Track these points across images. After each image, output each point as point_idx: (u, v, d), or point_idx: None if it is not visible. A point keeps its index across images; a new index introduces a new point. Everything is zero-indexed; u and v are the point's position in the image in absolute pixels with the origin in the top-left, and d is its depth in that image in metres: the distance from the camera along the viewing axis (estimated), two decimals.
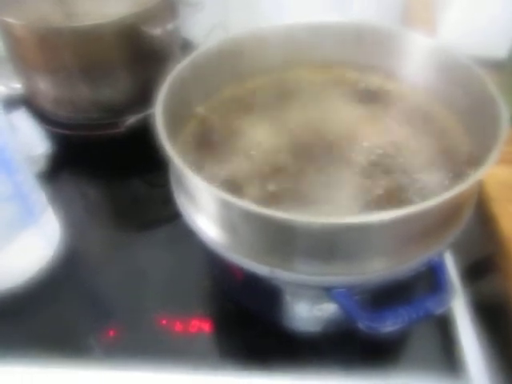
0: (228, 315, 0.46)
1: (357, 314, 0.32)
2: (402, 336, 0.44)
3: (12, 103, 0.66)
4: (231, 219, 0.32)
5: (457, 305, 0.44)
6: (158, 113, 0.35)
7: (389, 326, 0.32)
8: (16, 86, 0.66)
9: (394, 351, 0.43)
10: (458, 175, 0.38)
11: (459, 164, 0.39)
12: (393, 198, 0.36)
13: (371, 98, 0.46)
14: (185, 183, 0.35)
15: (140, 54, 0.58)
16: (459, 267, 0.47)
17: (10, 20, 0.54)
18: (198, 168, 0.39)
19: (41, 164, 0.60)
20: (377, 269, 0.33)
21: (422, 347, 0.43)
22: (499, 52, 0.52)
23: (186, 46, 0.67)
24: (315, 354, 0.43)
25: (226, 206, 0.32)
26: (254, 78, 0.48)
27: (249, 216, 0.31)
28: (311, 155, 0.40)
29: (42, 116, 0.63)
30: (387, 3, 0.71)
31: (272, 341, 0.44)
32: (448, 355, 0.42)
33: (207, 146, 0.42)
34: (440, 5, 0.63)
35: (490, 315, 0.44)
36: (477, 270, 0.50)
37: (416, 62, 0.45)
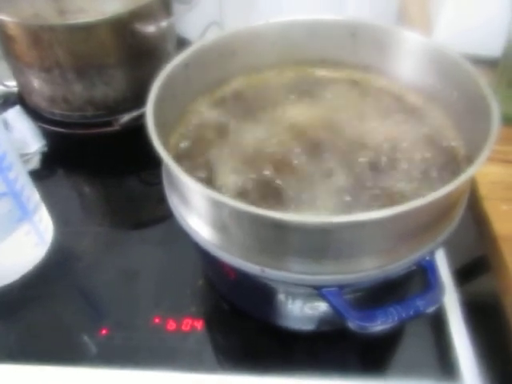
0: (221, 314, 0.46)
1: (347, 313, 0.32)
2: (395, 336, 0.44)
3: (7, 101, 0.66)
4: (222, 219, 0.32)
5: (449, 304, 0.44)
6: (149, 112, 0.35)
7: (379, 325, 0.31)
8: (11, 84, 0.66)
9: (386, 351, 0.43)
10: (451, 173, 0.38)
11: (452, 162, 0.39)
12: (385, 196, 0.36)
13: (365, 96, 0.46)
14: (176, 183, 0.35)
15: (134, 52, 0.58)
16: (451, 267, 0.47)
17: (3, 17, 0.54)
18: (190, 167, 0.39)
19: (35, 162, 0.60)
20: (368, 268, 0.33)
21: (414, 347, 0.43)
22: (493, 51, 0.52)
23: (182, 44, 0.67)
24: (308, 353, 0.43)
25: (217, 206, 0.32)
26: (248, 75, 0.47)
27: (240, 215, 0.31)
28: (306, 153, 0.40)
29: (36, 114, 0.63)
30: (382, 2, 0.71)
31: (265, 339, 0.44)
32: (441, 355, 0.42)
33: (200, 144, 0.42)
34: (434, 3, 0.63)
35: (482, 315, 0.44)
36: (469, 270, 0.50)
37: (410, 60, 0.45)
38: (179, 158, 0.40)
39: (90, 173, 0.63)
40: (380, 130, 0.42)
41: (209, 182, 0.38)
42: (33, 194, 0.48)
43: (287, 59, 0.48)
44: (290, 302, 0.39)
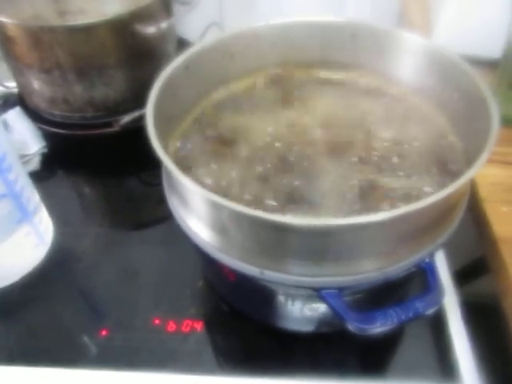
0: (220, 315, 0.46)
1: (346, 315, 0.32)
2: (395, 337, 0.44)
3: (7, 102, 0.66)
4: (222, 221, 0.32)
5: (449, 306, 0.44)
6: (149, 113, 0.35)
7: (378, 327, 0.31)
8: (11, 85, 0.66)
9: (386, 352, 0.43)
10: (450, 175, 0.38)
11: (452, 164, 0.39)
12: (384, 198, 0.36)
13: (365, 97, 0.46)
14: (176, 185, 0.35)
15: (134, 53, 0.58)
16: (451, 268, 0.47)
17: (4, 19, 0.53)
18: (190, 168, 0.39)
19: (35, 163, 0.60)
20: (367, 270, 0.33)
21: (414, 349, 0.43)
22: (493, 52, 0.52)
23: (182, 45, 0.67)
24: (307, 355, 0.43)
25: (216, 208, 0.32)
26: (248, 76, 0.48)
27: (239, 218, 0.31)
28: (305, 155, 0.40)
29: (36, 115, 0.63)
30: (382, 4, 0.71)
31: (264, 341, 0.44)
32: (440, 356, 0.42)
33: (200, 145, 0.42)
34: (435, 5, 0.63)
35: (482, 316, 0.44)
36: (469, 271, 0.50)
37: (410, 61, 0.45)
38: (179, 159, 0.40)
39: (89, 174, 0.63)
40: (379, 131, 0.42)
41: (209, 183, 0.38)
42: (33, 195, 0.48)
43: (287, 60, 0.48)
44: (289, 303, 0.39)
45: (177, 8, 0.66)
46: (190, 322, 0.45)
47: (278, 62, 0.48)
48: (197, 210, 0.34)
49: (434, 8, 0.63)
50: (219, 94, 0.46)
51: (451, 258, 0.47)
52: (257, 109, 0.45)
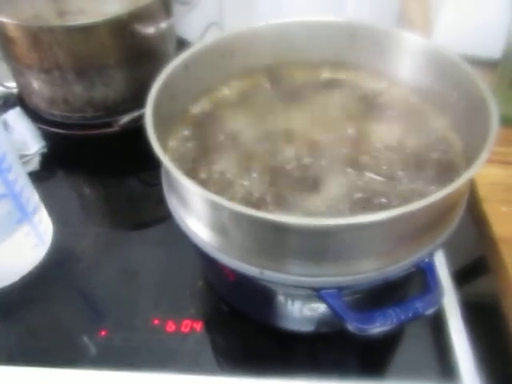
0: (220, 315, 0.46)
1: (345, 315, 0.32)
2: (395, 337, 0.44)
3: (7, 102, 0.66)
4: (222, 221, 0.32)
5: (449, 306, 0.44)
6: (149, 113, 0.35)
7: (378, 327, 0.31)
8: (11, 85, 0.66)
9: (385, 352, 0.43)
10: (450, 175, 0.38)
11: (451, 163, 0.39)
12: (383, 198, 0.36)
13: (364, 97, 0.46)
14: (175, 185, 0.35)
15: (134, 53, 0.58)
16: (451, 268, 0.47)
17: (3, 19, 0.53)
18: (189, 168, 0.39)
19: (35, 163, 0.60)
20: (367, 270, 0.33)
21: (414, 349, 0.43)
22: (493, 52, 0.52)
23: (182, 45, 0.67)
24: (307, 355, 0.43)
25: (216, 208, 0.32)
26: (247, 76, 0.47)
27: (239, 218, 0.31)
28: (304, 156, 0.40)
29: (36, 115, 0.63)
30: (382, 4, 0.71)
31: (264, 341, 0.44)
32: (440, 356, 0.42)
33: (199, 145, 0.42)
34: (434, 4, 0.63)
35: (481, 316, 0.44)
36: (469, 271, 0.50)
37: (409, 61, 0.45)
38: (178, 159, 0.40)
39: (89, 174, 0.63)
40: (379, 132, 0.42)
41: (208, 183, 0.38)
42: (32, 196, 0.48)
43: (287, 60, 0.48)
44: (289, 303, 0.39)
45: (177, 8, 0.66)
46: (189, 322, 0.45)
47: (278, 62, 0.48)
48: (196, 210, 0.34)
49: (434, 8, 0.63)
50: (218, 94, 0.46)
51: (451, 257, 0.47)
52: (256, 109, 0.44)
